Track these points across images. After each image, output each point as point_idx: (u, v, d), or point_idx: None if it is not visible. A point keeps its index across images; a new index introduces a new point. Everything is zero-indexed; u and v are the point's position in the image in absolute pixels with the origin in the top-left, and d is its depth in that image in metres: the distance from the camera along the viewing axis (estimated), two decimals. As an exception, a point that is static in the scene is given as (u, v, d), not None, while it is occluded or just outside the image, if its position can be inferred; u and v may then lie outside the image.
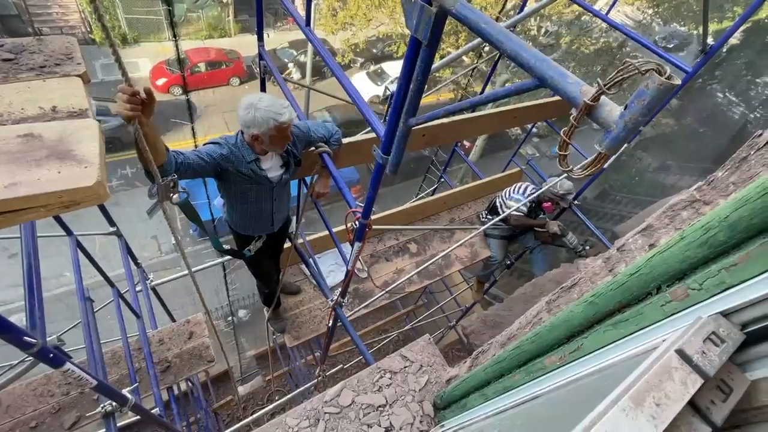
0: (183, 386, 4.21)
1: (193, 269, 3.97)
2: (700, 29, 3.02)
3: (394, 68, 13.69)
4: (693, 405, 0.40)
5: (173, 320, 3.78)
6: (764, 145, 0.52)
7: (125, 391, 1.54)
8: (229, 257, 3.26)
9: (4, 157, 0.77)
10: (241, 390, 6.17)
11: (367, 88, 13.82)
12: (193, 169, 1.66)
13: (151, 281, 3.46)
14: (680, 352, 0.41)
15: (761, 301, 0.41)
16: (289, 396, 4.11)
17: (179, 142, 11.43)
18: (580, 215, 4.06)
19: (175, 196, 1.50)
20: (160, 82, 12.52)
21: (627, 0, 11.74)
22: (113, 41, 0.88)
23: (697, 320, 0.45)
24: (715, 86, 14.02)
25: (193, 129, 3.01)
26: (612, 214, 10.85)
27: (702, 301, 0.47)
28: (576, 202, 4.07)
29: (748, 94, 13.73)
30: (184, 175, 1.63)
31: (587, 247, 3.69)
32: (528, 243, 4.14)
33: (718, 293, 0.45)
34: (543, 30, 11.50)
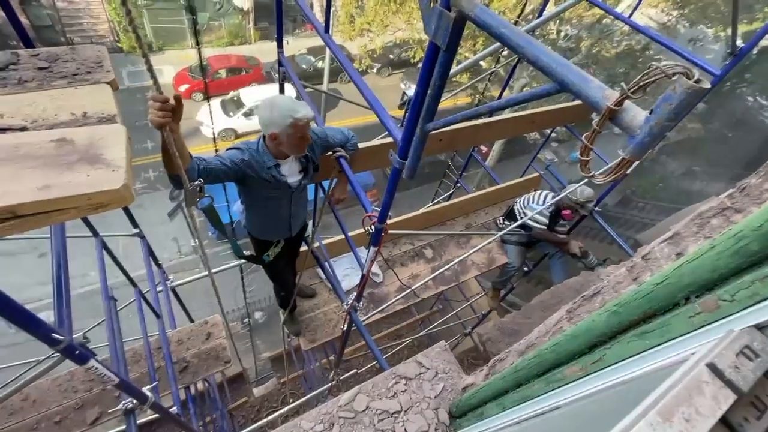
0: (200, 386, 4.28)
1: (215, 270, 4.04)
2: (728, 31, 2.92)
3: (252, 95, 12.23)
4: (725, 422, 0.38)
5: (191, 321, 3.85)
6: None
7: (145, 390, 1.57)
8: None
9: (38, 160, 0.81)
10: (256, 392, 6.22)
11: (217, 119, 11.78)
12: (215, 175, 1.70)
13: (172, 282, 3.54)
14: (711, 366, 0.40)
15: (799, 315, 0.39)
16: (303, 399, 4.13)
17: (200, 147, 11.72)
18: (601, 222, 3.96)
19: (200, 201, 1.53)
20: (183, 88, 12.90)
21: (651, 2, 11.48)
22: (146, 52, 0.91)
23: (729, 333, 0.43)
24: (745, 89, 13.52)
25: (213, 134, 3.09)
26: (634, 221, 10.52)
27: (734, 313, 0.45)
28: (597, 208, 3.97)
29: (781, 97, 13.19)
30: (206, 180, 1.67)
31: (607, 267, 3.61)
32: (546, 249, 4.06)
33: (752, 305, 0.43)
34: (563, 34, 11.34)
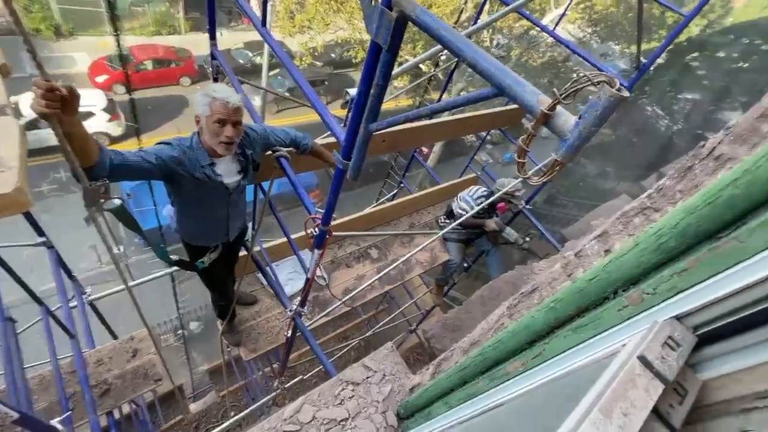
0: (126, 408, 3.88)
1: (138, 281, 3.68)
2: (632, 48, 3.30)
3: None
4: (655, 410, 0.41)
5: (115, 337, 3.48)
6: (707, 155, 0.56)
7: (55, 422, 1.37)
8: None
9: None
10: (193, 408, 5.79)
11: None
12: (134, 171, 1.52)
13: (89, 295, 3.16)
14: (642, 359, 0.43)
15: (710, 305, 0.44)
16: (245, 411, 3.91)
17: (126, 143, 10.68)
18: (532, 219, 4.28)
19: (107, 202, 1.37)
20: (101, 79, 11.65)
21: (569, 18, 12.64)
22: (24, 30, 0.79)
23: (654, 325, 0.47)
24: (645, 101, 15.45)
25: (137, 130, 2.80)
26: (559, 217, 11.49)
27: (656, 305, 0.49)
28: (528, 206, 4.28)
29: (672, 108, 15.27)
30: (122, 177, 1.49)
31: (527, 239, 3.88)
32: (483, 246, 4.28)
33: (671, 297, 0.47)
34: (495, 42, 12.05)
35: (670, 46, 3.52)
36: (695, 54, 14.53)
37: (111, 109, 10.67)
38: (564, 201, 12.72)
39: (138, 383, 2.81)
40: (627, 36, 12.59)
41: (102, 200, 1.41)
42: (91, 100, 10.34)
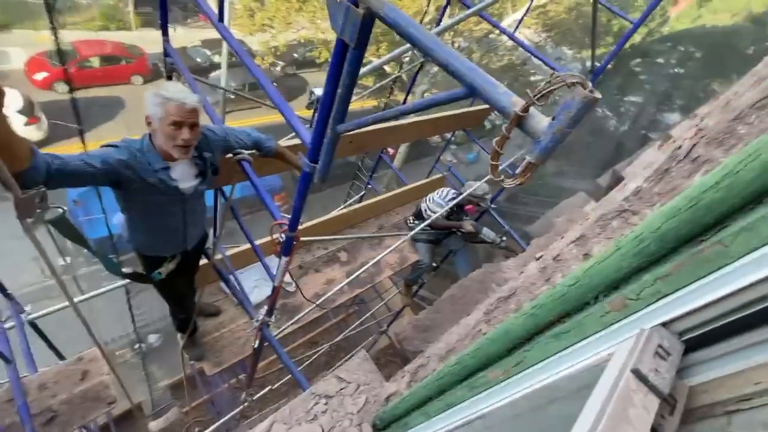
0: (76, 435, 3.56)
1: (87, 295, 3.40)
2: (583, 53, 3.47)
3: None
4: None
5: (62, 358, 3.18)
6: (684, 157, 0.57)
7: (-14, 462, 1.21)
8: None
9: None
10: (153, 426, 5.44)
11: None
12: (76, 177, 1.37)
13: (28, 314, 2.87)
14: (636, 372, 0.41)
15: (696, 310, 0.43)
16: (212, 428, 3.72)
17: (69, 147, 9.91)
18: (497, 217, 4.40)
19: (48, 211, 1.23)
20: (40, 76, 10.77)
21: (525, 23, 13.15)
22: None
23: (642, 333, 0.46)
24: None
25: (81, 132, 2.58)
26: (522, 214, 11.91)
27: (639, 311, 0.48)
28: (492, 205, 4.38)
29: (619, 110, 16.31)
30: (62, 183, 1.34)
31: (503, 238, 4.00)
32: (451, 245, 4.33)
33: (655, 302, 0.47)
34: (456, 45, 12.31)
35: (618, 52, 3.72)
36: (638, 60, 15.61)
37: (29, 110, 9.48)
38: (525, 199, 13.21)
39: (88, 407, 2.58)
40: (578, 41, 13.30)
41: (38, 210, 1.27)
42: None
